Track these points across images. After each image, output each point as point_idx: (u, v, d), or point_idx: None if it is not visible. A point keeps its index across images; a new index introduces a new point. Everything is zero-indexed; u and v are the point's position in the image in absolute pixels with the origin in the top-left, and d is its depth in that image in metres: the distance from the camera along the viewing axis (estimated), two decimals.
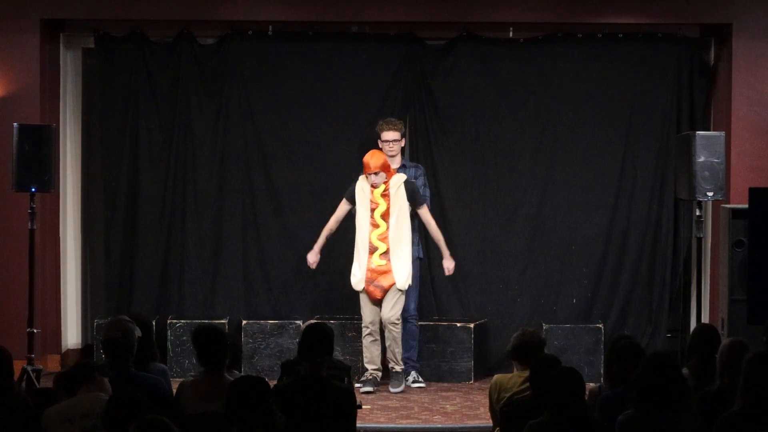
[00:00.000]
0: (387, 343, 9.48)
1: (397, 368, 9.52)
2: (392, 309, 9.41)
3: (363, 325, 9.50)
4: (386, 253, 9.39)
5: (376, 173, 9.36)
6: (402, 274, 9.39)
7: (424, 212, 9.59)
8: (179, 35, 10.36)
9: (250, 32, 10.35)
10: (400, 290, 9.41)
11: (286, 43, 10.38)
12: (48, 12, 10.10)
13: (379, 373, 9.53)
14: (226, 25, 10.33)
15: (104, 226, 10.47)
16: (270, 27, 10.33)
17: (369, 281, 9.39)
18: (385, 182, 9.39)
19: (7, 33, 10.05)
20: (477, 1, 10.19)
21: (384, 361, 9.60)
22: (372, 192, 9.41)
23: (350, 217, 9.85)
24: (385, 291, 9.38)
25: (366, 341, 9.51)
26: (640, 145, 10.36)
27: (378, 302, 9.45)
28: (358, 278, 9.44)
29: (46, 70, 10.17)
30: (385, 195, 9.41)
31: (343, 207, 9.62)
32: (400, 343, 9.48)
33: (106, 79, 10.40)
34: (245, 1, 10.19)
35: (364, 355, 9.53)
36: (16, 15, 10.03)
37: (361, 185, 9.48)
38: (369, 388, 9.40)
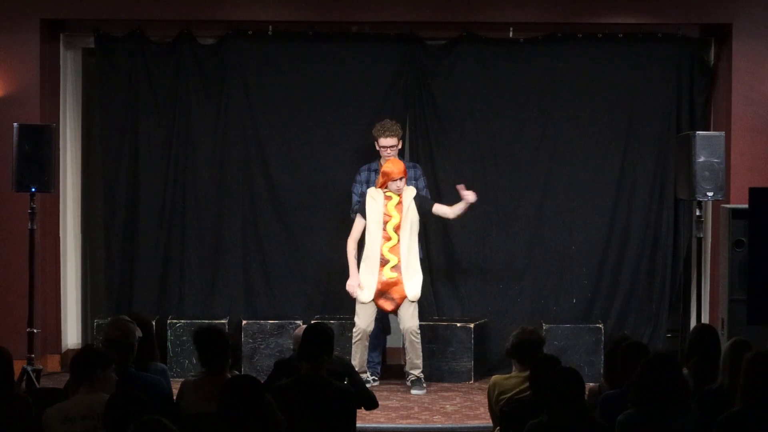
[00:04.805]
0: (406, 350, 9.48)
1: (418, 374, 9.51)
2: (412, 319, 9.41)
3: (356, 330, 9.44)
4: (397, 266, 9.38)
5: (400, 178, 9.33)
6: (414, 285, 9.38)
7: (437, 207, 9.52)
8: (179, 35, 10.36)
9: (250, 32, 10.34)
10: (412, 301, 9.41)
11: (286, 43, 10.38)
12: (48, 12, 10.10)
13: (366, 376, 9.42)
14: (226, 25, 10.33)
15: (104, 226, 10.47)
16: (270, 27, 10.33)
17: (379, 294, 9.38)
18: (400, 194, 9.36)
19: (7, 33, 10.05)
20: (477, 1, 10.19)
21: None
22: (386, 205, 9.37)
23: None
24: (397, 304, 9.38)
25: (358, 346, 9.42)
26: (640, 145, 10.36)
27: (380, 312, 9.50)
28: (366, 290, 9.41)
29: (46, 70, 10.17)
30: (398, 207, 9.39)
31: (360, 223, 9.48)
32: (419, 351, 9.48)
33: (106, 79, 10.40)
34: (245, 1, 10.19)
35: (353, 357, 9.38)
36: (16, 15, 10.02)
37: (373, 195, 9.42)
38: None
